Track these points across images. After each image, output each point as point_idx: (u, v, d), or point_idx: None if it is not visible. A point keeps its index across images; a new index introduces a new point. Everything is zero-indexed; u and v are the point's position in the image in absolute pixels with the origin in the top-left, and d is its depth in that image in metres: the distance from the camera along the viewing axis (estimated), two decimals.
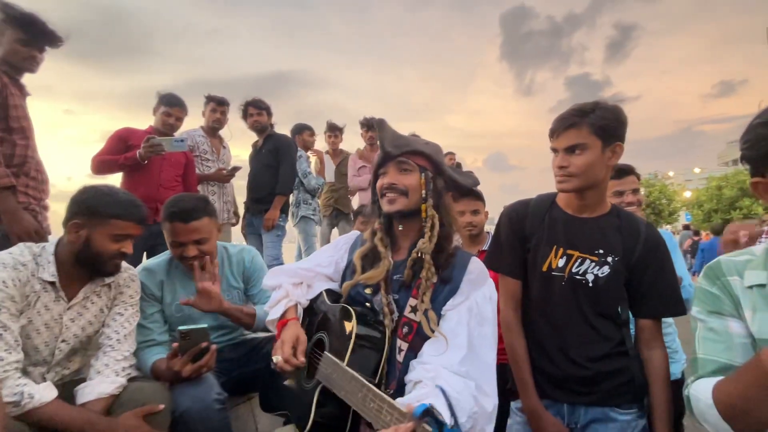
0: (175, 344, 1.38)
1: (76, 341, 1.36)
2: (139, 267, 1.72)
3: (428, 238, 1.13)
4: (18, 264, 1.23)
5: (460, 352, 1.00)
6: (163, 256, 1.76)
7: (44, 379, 1.29)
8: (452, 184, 1.20)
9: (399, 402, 0.87)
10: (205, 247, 1.62)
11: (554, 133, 1.27)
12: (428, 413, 0.80)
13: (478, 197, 2.11)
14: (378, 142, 1.22)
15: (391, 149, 1.17)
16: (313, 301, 1.29)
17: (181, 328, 1.38)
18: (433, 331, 1.05)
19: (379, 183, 1.20)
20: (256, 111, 3.53)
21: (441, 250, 1.14)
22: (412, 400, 0.90)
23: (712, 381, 0.82)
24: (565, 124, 1.24)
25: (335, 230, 4.53)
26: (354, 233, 1.38)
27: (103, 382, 1.29)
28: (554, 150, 1.28)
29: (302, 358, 1.10)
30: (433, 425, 0.78)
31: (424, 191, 1.15)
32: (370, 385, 0.89)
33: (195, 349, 1.37)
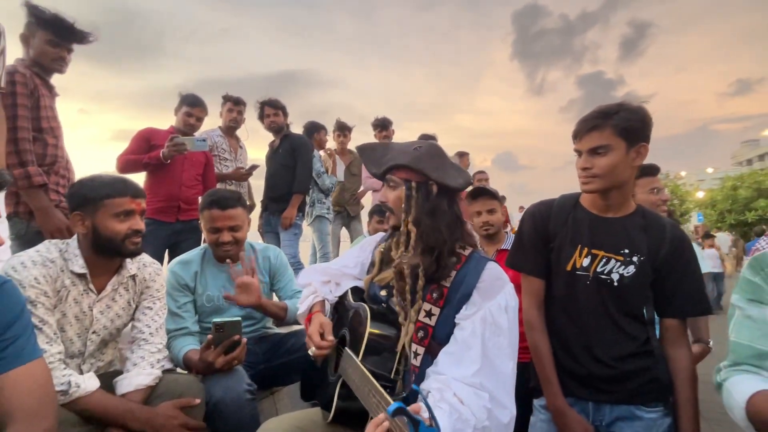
0: (210, 336, 1.41)
1: (106, 333, 1.40)
2: (174, 261, 1.82)
3: (400, 252, 1.13)
4: (47, 261, 1.26)
5: (474, 365, 0.98)
6: (197, 250, 1.87)
7: (81, 371, 1.34)
8: (443, 188, 1.13)
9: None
10: (238, 235, 1.75)
11: (577, 135, 1.28)
12: (401, 412, 0.78)
13: (494, 196, 2.12)
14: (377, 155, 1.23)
15: (375, 170, 1.21)
16: (341, 298, 1.34)
17: (215, 320, 1.41)
18: (439, 343, 1.06)
19: None
20: (272, 111, 3.54)
21: (432, 261, 1.10)
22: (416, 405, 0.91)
23: (752, 384, 0.86)
24: (587, 126, 1.25)
25: (344, 230, 4.54)
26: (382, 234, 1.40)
27: (140, 374, 1.33)
28: (578, 152, 1.29)
29: (330, 338, 1.16)
30: (410, 425, 0.76)
31: (404, 205, 1.13)
32: (374, 381, 0.91)
33: (228, 341, 1.41)
